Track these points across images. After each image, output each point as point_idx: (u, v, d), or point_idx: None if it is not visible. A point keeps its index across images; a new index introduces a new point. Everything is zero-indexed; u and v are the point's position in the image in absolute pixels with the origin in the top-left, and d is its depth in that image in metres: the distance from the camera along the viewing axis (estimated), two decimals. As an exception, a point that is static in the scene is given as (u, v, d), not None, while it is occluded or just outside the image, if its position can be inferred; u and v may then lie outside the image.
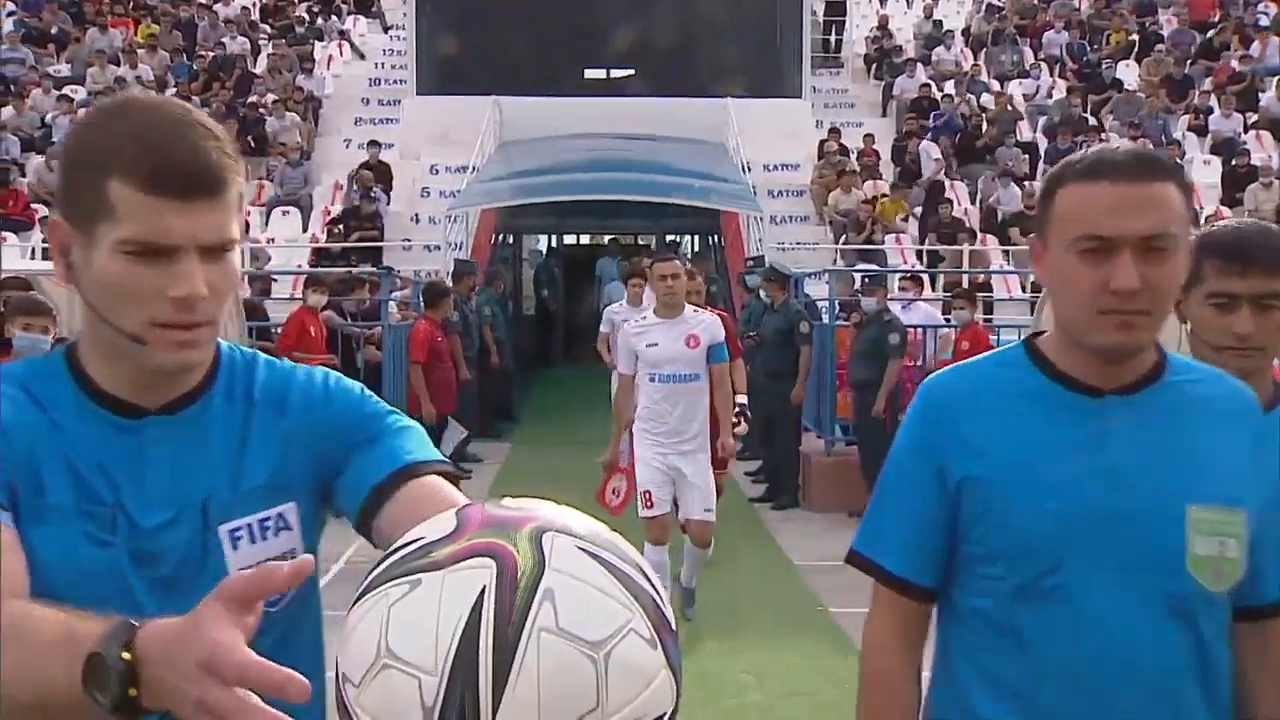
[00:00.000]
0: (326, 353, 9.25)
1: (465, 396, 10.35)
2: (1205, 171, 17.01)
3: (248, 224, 14.92)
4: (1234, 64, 19.28)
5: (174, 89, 18.34)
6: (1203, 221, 15.47)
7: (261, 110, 17.76)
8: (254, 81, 18.84)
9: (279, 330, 9.57)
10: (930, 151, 16.63)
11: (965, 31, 21.37)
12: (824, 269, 11.78)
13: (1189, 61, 19.44)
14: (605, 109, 17.17)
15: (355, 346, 9.87)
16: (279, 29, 21.35)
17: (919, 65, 19.55)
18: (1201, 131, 17.91)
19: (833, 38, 21.20)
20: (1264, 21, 20.72)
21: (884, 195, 15.92)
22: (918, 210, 15.86)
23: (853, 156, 16.94)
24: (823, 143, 17.02)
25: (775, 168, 16.96)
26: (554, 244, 21.61)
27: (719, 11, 19.05)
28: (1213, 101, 18.22)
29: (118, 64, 19.01)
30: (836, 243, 15.32)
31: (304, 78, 19.24)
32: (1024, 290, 14.18)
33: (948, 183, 16.52)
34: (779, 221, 15.92)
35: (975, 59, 20.28)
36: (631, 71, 18.90)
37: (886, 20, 21.38)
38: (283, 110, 17.55)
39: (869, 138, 17.65)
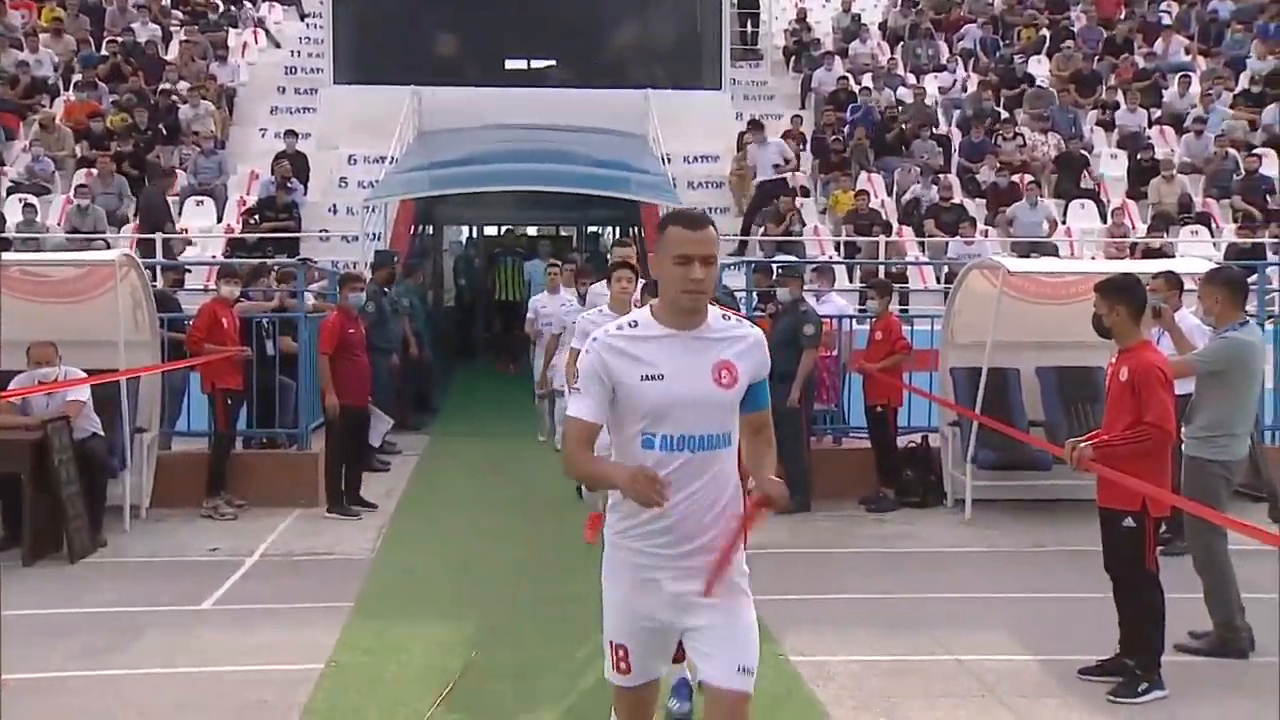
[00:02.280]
0: (238, 344, 9.12)
1: (382, 387, 10.27)
2: (1112, 165, 17.49)
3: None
4: (1139, 61, 19.83)
5: (80, 76, 17.89)
6: (1109, 214, 15.90)
7: (174, 98, 17.39)
8: (165, 69, 18.43)
9: (190, 322, 9.41)
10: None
11: (882, 26, 21.66)
12: (742, 260, 11.89)
13: (1097, 58, 19.94)
14: (525, 99, 17.12)
15: (266, 336, 9.72)
16: (191, 15, 20.90)
17: (837, 58, 19.79)
18: (1109, 126, 18.39)
19: (749, 30, 21.34)
20: (1167, 20, 21.33)
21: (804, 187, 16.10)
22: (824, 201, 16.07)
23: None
24: (742, 134, 17.14)
25: (695, 159, 17.05)
26: (474, 235, 21.48)
27: (639, 3, 19.09)
28: (1119, 97, 18.71)
29: (20, 48, 18.47)
30: (756, 234, 15.45)
31: (217, 65, 18.87)
32: (939, 281, 14.45)
33: (865, 175, 16.77)
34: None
35: (892, 53, 20.58)
36: (552, 62, 18.85)
37: (805, 13, 21.59)
38: (197, 98, 17.20)
39: (796, 119, 17.81)
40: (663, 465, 3.12)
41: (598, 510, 6.74)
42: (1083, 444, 5.34)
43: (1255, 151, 16.82)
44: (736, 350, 3.21)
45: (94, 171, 15.64)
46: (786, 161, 16.06)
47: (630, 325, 3.24)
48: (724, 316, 3.27)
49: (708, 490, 3.19)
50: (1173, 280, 7.75)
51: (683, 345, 3.18)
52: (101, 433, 8.26)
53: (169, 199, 15.56)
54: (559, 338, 9.87)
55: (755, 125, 16.48)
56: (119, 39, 19.30)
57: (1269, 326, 9.30)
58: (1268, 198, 16.04)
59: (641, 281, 6.36)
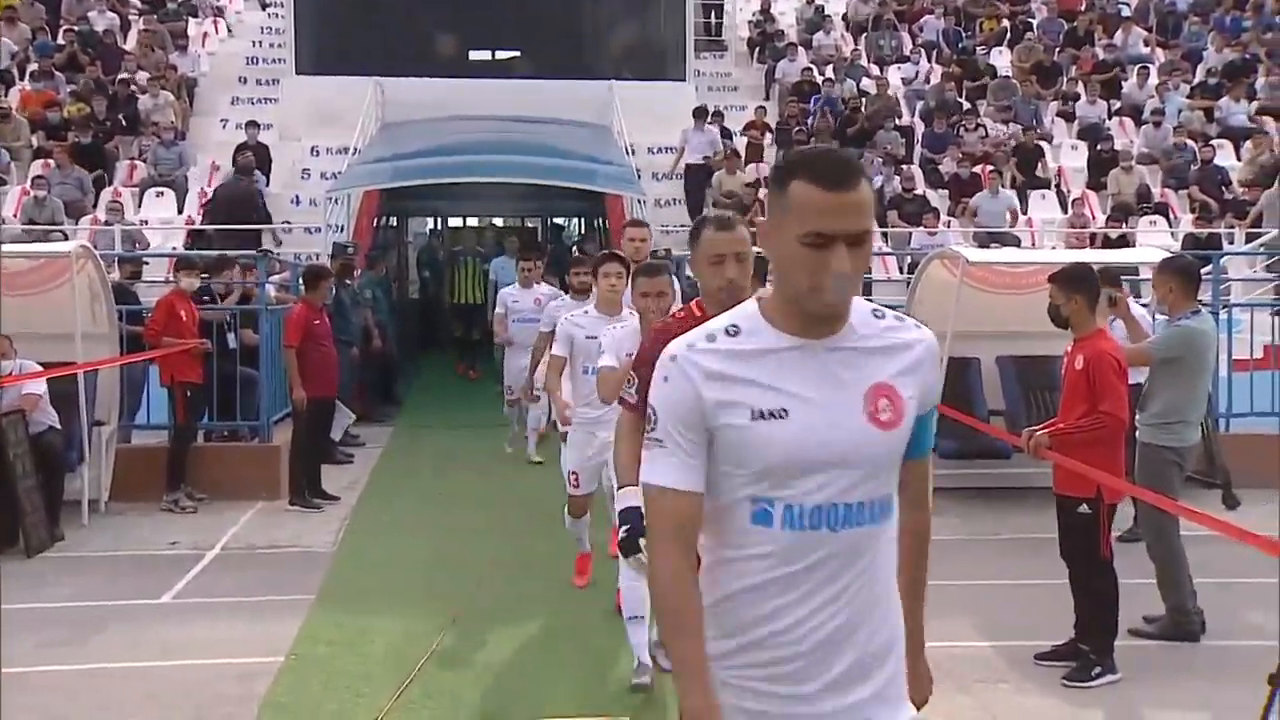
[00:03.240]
0: (197, 337, 9.04)
1: (343, 380, 10.22)
2: (1072, 156, 17.65)
3: (120, 205, 14.51)
4: (1099, 53, 20.01)
5: (36, 65, 17.65)
6: (1070, 204, 16.06)
7: (133, 88, 17.19)
8: (124, 59, 18.20)
9: (149, 314, 9.33)
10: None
11: (845, 17, 21.74)
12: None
13: (1058, 50, 20.11)
14: (489, 90, 17.04)
15: (227, 329, 9.65)
16: (149, 4, 20.65)
17: (800, 49, 19.84)
18: (1069, 117, 18.56)
19: (713, 21, 21.34)
20: (1126, 12, 21.54)
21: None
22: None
23: (735, 139, 17.13)
24: (709, 113, 17.10)
25: (659, 150, 17.05)
26: (438, 226, 21.40)
27: (603, -6, 19.07)
28: (1080, 88, 18.88)
29: (-25, 37, 18.21)
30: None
31: (177, 55, 18.67)
32: (901, 271, 14.54)
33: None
34: (663, 204, 16.04)
35: (855, 44, 20.66)
36: (516, 53, 18.77)
37: (769, 5, 21.62)
38: (156, 89, 17.01)
39: (760, 110, 17.85)
40: (789, 556, 2.02)
41: (586, 550, 6.63)
42: (1039, 432, 5.42)
43: (1211, 143, 17.03)
44: (900, 366, 2.08)
45: (51, 162, 15.44)
46: (716, 154, 16.05)
47: (728, 332, 2.07)
48: (875, 313, 2.12)
49: (858, 591, 2.04)
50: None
51: (818, 363, 2.04)
52: (59, 426, 8.19)
53: (125, 190, 15.40)
54: (551, 335, 9.48)
55: (700, 113, 16.45)
56: (76, 28, 19.04)
57: (1223, 315, 9.42)
58: (1223, 188, 16.24)
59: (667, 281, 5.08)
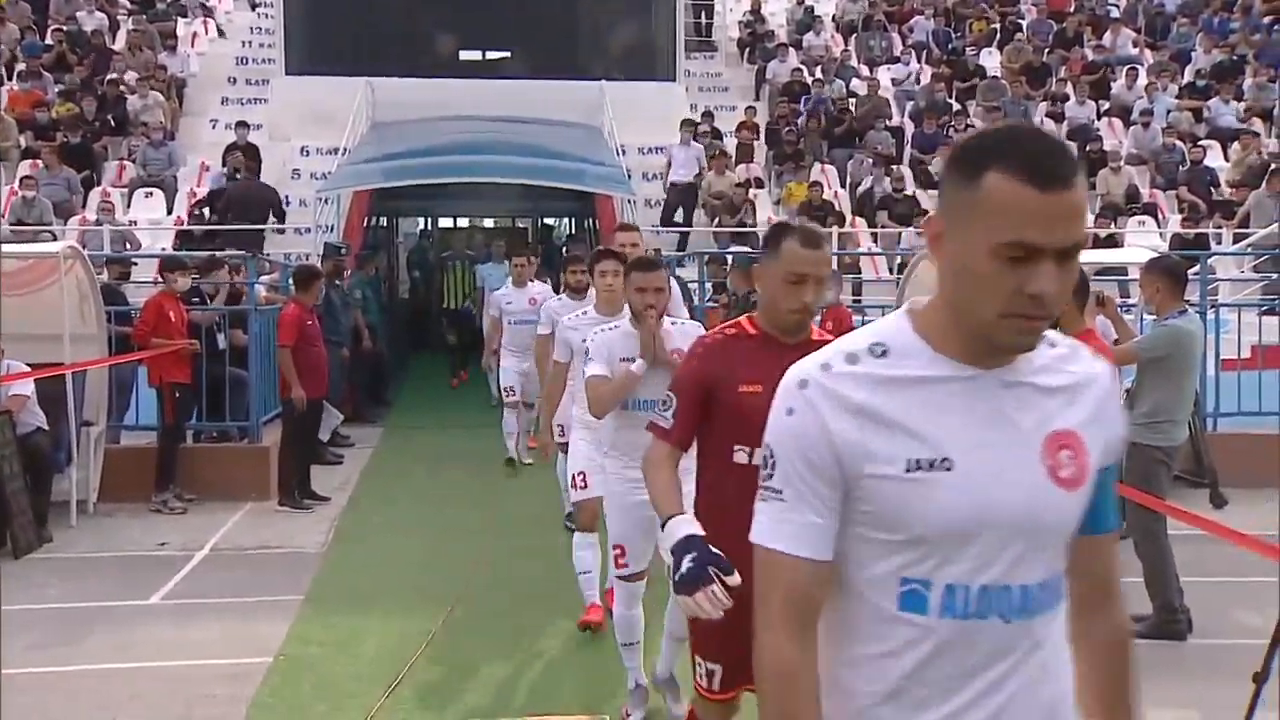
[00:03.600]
0: (186, 337, 9.01)
1: (333, 381, 10.21)
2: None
3: (112, 205, 14.48)
4: (1088, 53, 20.08)
5: (24, 65, 17.59)
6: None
7: (122, 88, 17.15)
8: (112, 59, 18.16)
9: (137, 315, 9.30)
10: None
11: (835, 18, 21.78)
12: (695, 251, 11.93)
13: (1047, 50, 20.17)
14: (480, 90, 17.04)
15: (217, 329, 9.63)
16: (138, 4, 20.60)
17: (791, 50, 19.88)
18: (1058, 118, 18.59)
19: (703, 21, 21.36)
20: (1115, 13, 21.62)
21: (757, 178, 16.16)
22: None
23: (726, 139, 17.15)
24: (696, 125, 17.16)
25: (649, 151, 17.06)
26: (428, 227, 21.39)
27: (594, -5, 19.07)
28: (1069, 89, 18.94)
29: (-39, 37, 18.14)
30: (710, 225, 15.50)
31: (166, 55, 18.62)
32: (891, 272, 14.57)
33: (818, 166, 16.87)
34: (653, 205, 16.05)
35: (845, 45, 20.70)
36: (507, 53, 18.77)
37: (759, 5, 21.65)
38: (145, 89, 16.97)
39: (750, 110, 17.85)
40: (947, 653, 1.57)
41: (596, 602, 5.79)
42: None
43: (1200, 143, 17.10)
44: (1085, 410, 1.64)
45: (39, 163, 15.39)
46: (700, 171, 15.80)
47: (874, 352, 1.62)
48: (1049, 344, 1.64)
49: (1030, 699, 1.60)
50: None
51: (990, 401, 1.59)
52: (46, 427, 8.16)
53: (115, 190, 15.36)
54: (551, 337, 9.11)
55: (688, 124, 16.29)
56: (64, 27, 18.99)
57: (1210, 315, 9.46)
58: (1211, 189, 16.31)
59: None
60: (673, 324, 4.57)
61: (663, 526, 3.04)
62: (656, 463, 3.24)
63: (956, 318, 1.58)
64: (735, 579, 2.63)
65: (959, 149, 1.59)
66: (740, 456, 3.12)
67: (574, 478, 5.54)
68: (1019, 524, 1.56)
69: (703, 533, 2.84)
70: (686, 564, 2.83)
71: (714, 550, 2.73)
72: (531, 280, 10.09)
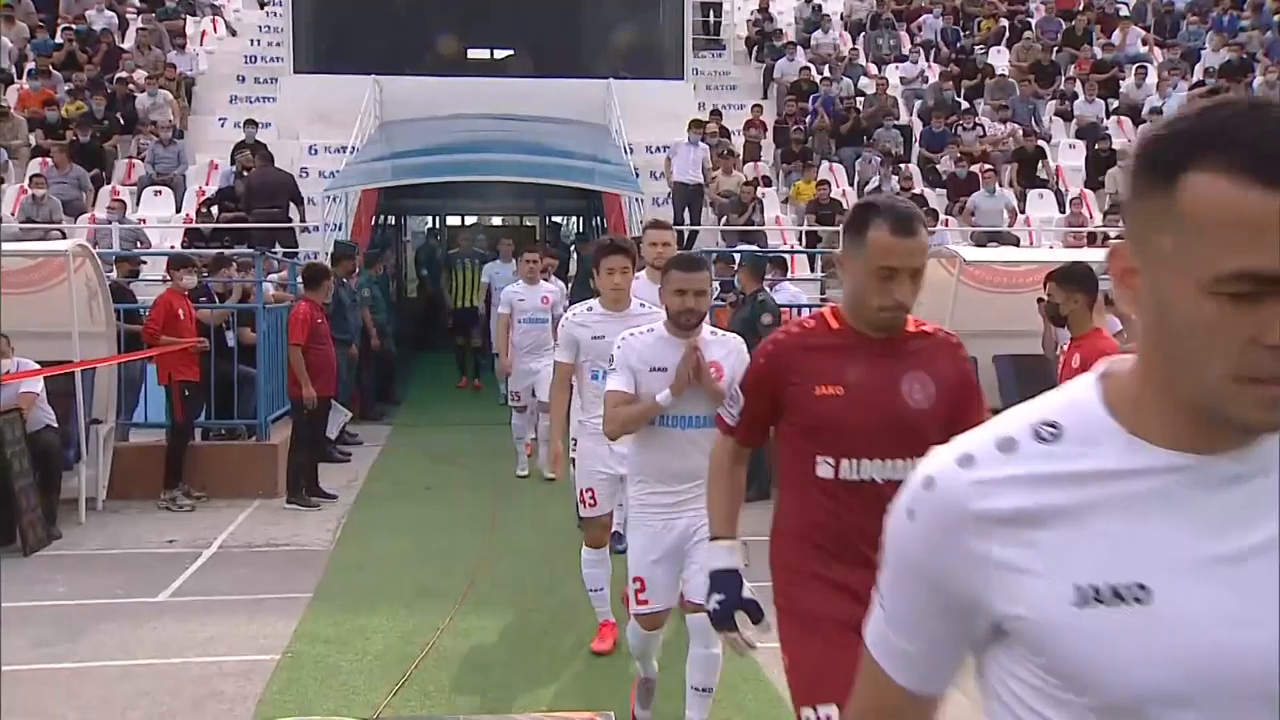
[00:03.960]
0: (195, 335, 9.03)
1: (341, 379, 10.22)
2: (1070, 155, 17.67)
3: (123, 204, 14.52)
4: (1097, 52, 20.03)
5: (33, 63, 17.65)
6: (1068, 204, 16.07)
7: (131, 87, 17.20)
8: (122, 57, 18.20)
9: (147, 313, 9.33)
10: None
11: (843, 16, 21.76)
12: (703, 250, 11.92)
13: (1055, 49, 20.12)
14: (488, 89, 17.06)
15: (225, 327, 9.66)
16: (147, 2, 20.65)
17: (799, 49, 19.85)
18: (1067, 116, 18.57)
19: (711, 20, 21.36)
20: (1124, 11, 21.57)
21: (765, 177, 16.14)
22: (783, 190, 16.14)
23: (734, 138, 17.14)
24: (704, 125, 17.13)
25: (657, 149, 17.05)
26: (436, 225, 21.41)
27: (601, -7, 19.08)
28: (1077, 87, 18.90)
29: (-29, 36, 18.20)
30: (718, 224, 15.49)
31: (175, 54, 18.67)
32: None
33: (826, 165, 16.85)
34: (660, 203, 16.04)
35: (853, 43, 20.67)
36: (514, 52, 18.79)
37: (767, 3, 21.63)
38: (154, 87, 17.02)
39: (758, 109, 17.81)
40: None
41: (610, 619, 5.61)
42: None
43: (1210, 142, 17.03)
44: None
45: (49, 161, 15.44)
46: (704, 180, 15.52)
47: (1040, 436, 1.19)
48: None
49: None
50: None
51: (1210, 505, 1.14)
52: (55, 425, 8.19)
53: (124, 188, 15.40)
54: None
55: (696, 125, 16.16)
56: (74, 26, 19.04)
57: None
58: (1220, 188, 16.25)
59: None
60: (712, 334, 4.04)
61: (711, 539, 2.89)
62: (722, 467, 2.95)
63: (1163, 384, 1.12)
64: (765, 624, 2.60)
65: (1148, 139, 1.12)
66: (824, 470, 2.71)
67: (582, 494, 5.29)
68: (1257, 684, 1.08)
69: (743, 565, 2.71)
70: (713, 604, 2.80)
71: (746, 594, 2.68)
72: (544, 277, 9.74)
